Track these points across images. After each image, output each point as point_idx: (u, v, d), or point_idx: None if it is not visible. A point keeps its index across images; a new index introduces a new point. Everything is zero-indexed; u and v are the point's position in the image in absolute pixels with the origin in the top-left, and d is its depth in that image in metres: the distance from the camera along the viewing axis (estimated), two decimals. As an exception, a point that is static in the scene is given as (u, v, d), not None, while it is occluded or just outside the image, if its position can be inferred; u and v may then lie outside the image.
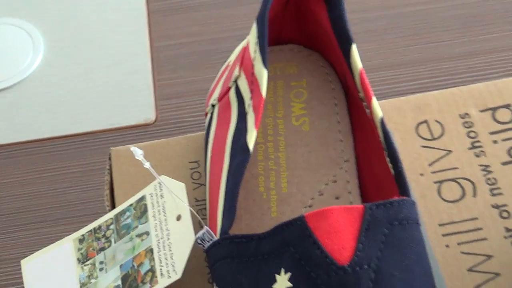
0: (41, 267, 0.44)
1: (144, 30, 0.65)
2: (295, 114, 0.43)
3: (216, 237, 0.38)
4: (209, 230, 0.38)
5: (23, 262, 0.45)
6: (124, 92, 0.61)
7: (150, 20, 0.66)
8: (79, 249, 0.43)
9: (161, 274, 0.39)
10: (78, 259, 0.43)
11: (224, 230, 0.37)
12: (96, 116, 0.59)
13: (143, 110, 0.60)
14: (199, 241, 0.39)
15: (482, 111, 0.46)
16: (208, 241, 0.38)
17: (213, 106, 0.43)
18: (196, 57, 0.63)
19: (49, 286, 0.43)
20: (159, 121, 0.59)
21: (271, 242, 0.34)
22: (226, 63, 0.45)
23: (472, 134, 0.45)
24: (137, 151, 0.38)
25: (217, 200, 0.38)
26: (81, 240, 0.44)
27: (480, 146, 0.45)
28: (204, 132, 0.45)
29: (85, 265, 0.43)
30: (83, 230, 0.44)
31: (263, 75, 0.38)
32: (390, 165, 0.38)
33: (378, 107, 0.38)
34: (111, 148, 0.45)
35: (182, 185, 0.40)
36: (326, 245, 0.33)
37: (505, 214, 0.42)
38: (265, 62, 0.38)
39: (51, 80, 0.62)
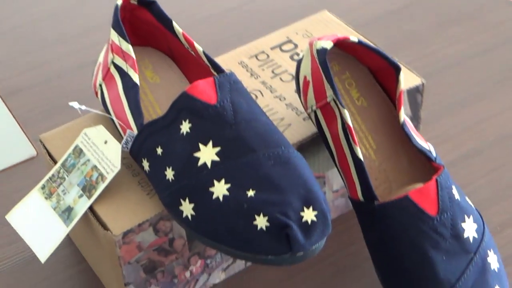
0: (22, 214, 0.67)
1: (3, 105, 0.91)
2: (149, 76, 0.72)
3: (135, 133, 0.65)
4: (130, 131, 0.65)
5: (7, 216, 0.68)
6: (5, 148, 0.85)
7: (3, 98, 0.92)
8: (43, 192, 0.68)
9: (107, 172, 0.65)
10: (45, 198, 0.67)
11: (139, 126, 0.64)
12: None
13: (25, 150, 0.85)
14: (124, 145, 0.65)
15: (249, 58, 0.78)
16: (130, 140, 0.65)
17: (100, 85, 0.70)
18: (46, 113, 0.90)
19: (34, 223, 0.67)
20: (40, 154, 0.84)
21: (171, 113, 0.62)
22: (97, 64, 0.73)
23: (249, 70, 0.76)
24: (75, 104, 0.65)
25: (126, 119, 0.65)
26: (43, 187, 0.68)
27: (256, 73, 0.76)
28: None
29: (52, 198, 0.67)
30: (42, 181, 0.68)
31: (129, 48, 0.67)
32: (212, 71, 0.68)
33: (199, 46, 0.68)
34: (40, 135, 0.71)
35: (101, 126, 0.67)
36: (202, 98, 0.61)
37: (282, 99, 0.73)
38: (127, 42, 0.67)
39: None
